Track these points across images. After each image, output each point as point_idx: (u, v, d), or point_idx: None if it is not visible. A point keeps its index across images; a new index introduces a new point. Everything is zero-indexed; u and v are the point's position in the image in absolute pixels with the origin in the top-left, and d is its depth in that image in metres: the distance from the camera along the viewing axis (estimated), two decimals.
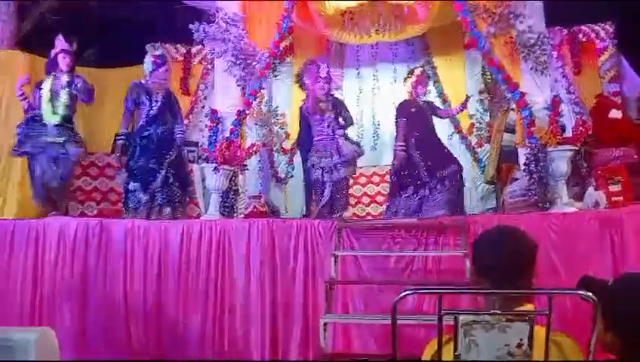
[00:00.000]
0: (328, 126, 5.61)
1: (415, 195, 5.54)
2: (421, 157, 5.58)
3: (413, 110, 5.78)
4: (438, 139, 5.90)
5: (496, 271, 1.63)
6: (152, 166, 5.26)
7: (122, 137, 5.44)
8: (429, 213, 5.32)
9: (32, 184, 5.44)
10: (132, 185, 5.25)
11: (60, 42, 5.50)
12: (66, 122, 5.46)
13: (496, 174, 6.17)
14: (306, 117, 5.79)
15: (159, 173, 5.26)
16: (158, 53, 5.71)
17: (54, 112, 5.36)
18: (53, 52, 5.51)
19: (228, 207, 5.22)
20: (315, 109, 5.62)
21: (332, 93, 5.89)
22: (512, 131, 5.82)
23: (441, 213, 5.21)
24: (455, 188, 5.54)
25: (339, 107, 5.80)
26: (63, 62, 5.45)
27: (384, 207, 6.24)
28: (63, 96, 5.40)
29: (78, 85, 5.41)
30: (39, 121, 5.37)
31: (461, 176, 5.70)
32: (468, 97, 6.09)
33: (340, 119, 5.75)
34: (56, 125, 5.36)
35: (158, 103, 5.38)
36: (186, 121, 6.32)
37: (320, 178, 5.56)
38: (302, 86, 5.95)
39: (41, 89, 5.42)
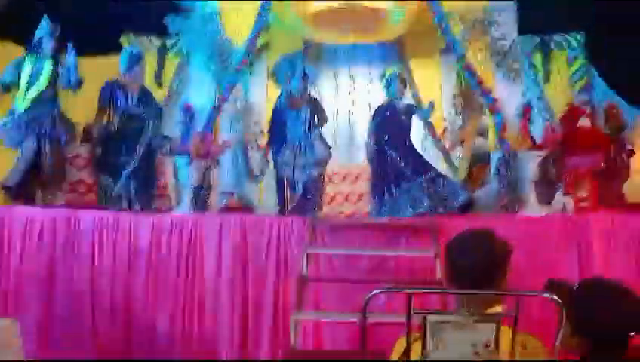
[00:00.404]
0: (305, 122, 5.55)
1: (397, 190, 5.52)
2: (397, 155, 5.54)
3: (387, 113, 5.82)
4: (412, 144, 5.82)
5: (465, 271, 1.65)
6: (122, 160, 5.20)
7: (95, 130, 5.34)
8: (413, 210, 5.30)
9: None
10: (104, 179, 5.17)
11: (46, 24, 5.33)
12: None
13: (468, 177, 6.26)
14: (280, 113, 5.68)
15: (129, 167, 5.20)
16: (134, 50, 5.61)
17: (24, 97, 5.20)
18: (37, 34, 5.33)
19: (200, 202, 5.18)
20: (291, 105, 5.56)
21: (308, 90, 5.84)
22: (484, 135, 5.92)
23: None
24: (437, 194, 5.52)
25: (314, 105, 5.74)
26: (48, 45, 5.30)
27: (369, 207, 6.06)
28: (43, 82, 5.24)
29: (68, 65, 5.25)
30: None
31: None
32: (432, 104, 6.08)
33: (316, 118, 5.72)
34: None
35: (134, 100, 5.30)
36: None
37: (291, 176, 5.50)
38: (276, 82, 5.90)
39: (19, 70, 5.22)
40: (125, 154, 5.22)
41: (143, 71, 5.44)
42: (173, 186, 5.78)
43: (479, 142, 6.10)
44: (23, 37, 5.62)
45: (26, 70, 5.23)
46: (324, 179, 5.77)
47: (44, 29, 5.33)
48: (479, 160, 6.01)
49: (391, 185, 5.54)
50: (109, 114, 5.39)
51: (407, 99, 6.83)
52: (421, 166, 5.52)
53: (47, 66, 5.26)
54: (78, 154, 5.87)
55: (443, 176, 5.45)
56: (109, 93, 5.33)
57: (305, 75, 5.68)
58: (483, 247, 1.69)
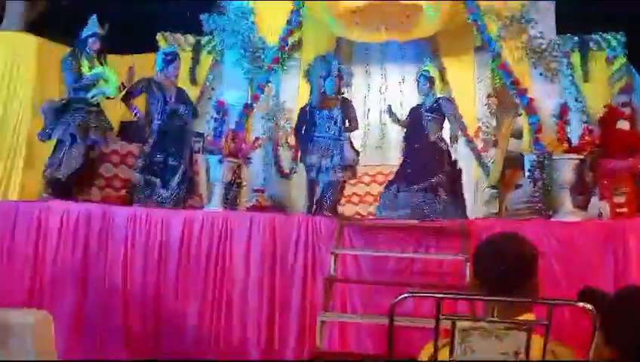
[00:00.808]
0: (335, 124, 5.45)
1: (399, 191, 5.44)
2: (411, 155, 5.54)
3: (412, 112, 5.77)
4: (432, 145, 5.66)
5: (494, 277, 1.62)
6: (172, 163, 5.25)
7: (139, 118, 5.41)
8: (429, 211, 5.24)
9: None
10: (151, 179, 5.21)
11: (93, 24, 5.44)
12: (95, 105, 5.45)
13: (500, 179, 6.15)
14: (311, 113, 5.52)
15: (179, 169, 5.26)
16: (169, 50, 5.68)
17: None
18: (84, 33, 5.43)
19: (231, 200, 5.23)
20: (322, 104, 5.48)
21: (342, 91, 5.78)
22: (519, 137, 5.79)
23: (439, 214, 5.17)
24: (455, 192, 5.44)
25: (347, 108, 5.63)
26: (93, 45, 5.41)
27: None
28: (112, 89, 5.37)
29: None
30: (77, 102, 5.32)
31: (459, 180, 5.62)
32: (389, 107, 5.93)
33: (347, 121, 5.59)
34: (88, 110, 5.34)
35: (172, 99, 5.36)
36: None
37: (315, 178, 5.40)
38: (309, 81, 5.78)
39: (79, 64, 5.32)
40: (170, 153, 5.27)
41: (177, 71, 5.47)
42: (205, 183, 5.85)
43: (513, 144, 5.97)
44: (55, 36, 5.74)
45: (85, 66, 5.34)
46: (345, 183, 5.64)
47: (91, 29, 5.43)
48: (513, 162, 5.89)
49: (393, 186, 5.47)
50: (148, 111, 5.47)
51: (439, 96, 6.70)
52: (429, 169, 5.42)
53: (109, 74, 5.36)
54: (114, 150, 6.00)
55: (439, 188, 5.32)
56: (143, 88, 5.38)
57: (339, 75, 5.63)
58: (514, 252, 1.65)
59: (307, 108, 5.58)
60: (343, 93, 5.72)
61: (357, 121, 5.74)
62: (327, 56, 5.84)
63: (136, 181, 5.23)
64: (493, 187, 6.52)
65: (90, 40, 5.41)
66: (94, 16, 5.44)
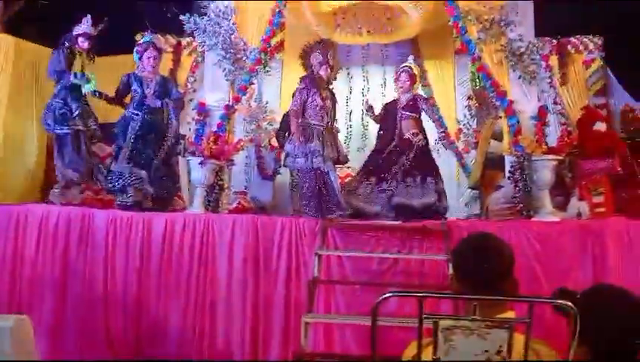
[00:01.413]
0: (327, 114, 5.41)
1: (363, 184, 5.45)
2: (381, 149, 5.53)
3: (387, 107, 5.80)
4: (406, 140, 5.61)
5: (476, 275, 1.64)
6: (148, 152, 5.20)
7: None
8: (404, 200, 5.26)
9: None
10: (119, 167, 5.16)
11: (86, 24, 5.41)
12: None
13: (481, 180, 6.20)
14: (305, 93, 5.38)
15: (154, 161, 5.21)
16: (141, 40, 5.66)
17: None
18: (75, 30, 5.41)
19: (213, 202, 5.19)
20: (318, 86, 5.39)
21: (332, 85, 5.70)
22: (498, 138, 5.86)
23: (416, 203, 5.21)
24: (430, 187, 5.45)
25: (334, 102, 5.62)
26: (82, 45, 5.42)
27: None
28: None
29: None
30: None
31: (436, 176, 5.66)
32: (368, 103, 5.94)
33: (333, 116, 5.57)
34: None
35: (150, 90, 5.32)
36: None
37: (322, 167, 5.22)
38: (305, 64, 5.65)
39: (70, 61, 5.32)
40: (149, 148, 5.22)
41: (154, 61, 5.42)
42: (186, 186, 5.81)
43: (494, 146, 6.04)
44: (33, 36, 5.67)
45: (77, 64, 5.34)
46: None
47: (84, 28, 5.40)
48: (494, 164, 5.95)
49: (363, 180, 5.50)
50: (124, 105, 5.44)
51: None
52: (391, 164, 5.45)
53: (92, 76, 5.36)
54: (94, 152, 5.92)
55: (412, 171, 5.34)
56: (125, 84, 5.38)
57: (333, 67, 5.57)
58: (495, 250, 1.67)
59: (302, 89, 5.45)
60: (332, 90, 5.68)
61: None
62: (325, 43, 5.74)
63: (123, 170, 5.15)
64: (474, 188, 6.58)
65: (80, 38, 5.39)
66: (89, 16, 5.41)
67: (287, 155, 5.43)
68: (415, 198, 5.25)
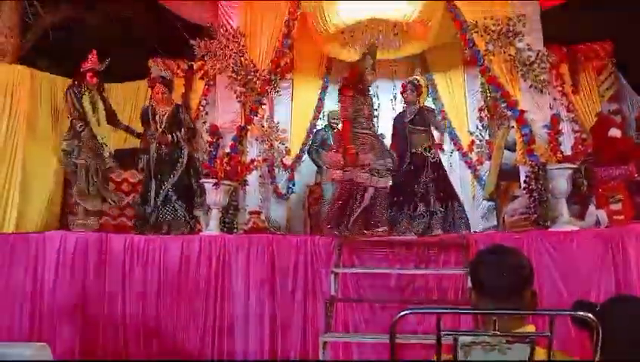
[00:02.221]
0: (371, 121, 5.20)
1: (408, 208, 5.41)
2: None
3: (395, 120, 5.79)
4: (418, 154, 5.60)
5: (495, 289, 1.61)
6: (154, 183, 5.41)
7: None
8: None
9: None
10: (146, 209, 5.41)
11: (92, 60, 5.62)
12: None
13: (496, 192, 6.16)
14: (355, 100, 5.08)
15: (161, 190, 5.37)
16: (151, 73, 5.85)
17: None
18: (83, 67, 5.62)
19: (228, 223, 5.21)
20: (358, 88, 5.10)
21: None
22: (512, 149, 5.82)
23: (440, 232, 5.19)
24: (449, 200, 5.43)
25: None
26: (91, 80, 5.60)
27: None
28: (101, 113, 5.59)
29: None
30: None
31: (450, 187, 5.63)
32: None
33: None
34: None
35: (163, 123, 5.53)
36: None
37: (366, 179, 4.94)
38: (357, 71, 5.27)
39: (80, 98, 5.52)
40: (165, 179, 5.43)
41: (160, 95, 5.59)
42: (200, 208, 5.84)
43: (507, 156, 6.00)
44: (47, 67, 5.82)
45: (86, 100, 5.54)
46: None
47: (90, 65, 5.60)
48: (508, 175, 5.91)
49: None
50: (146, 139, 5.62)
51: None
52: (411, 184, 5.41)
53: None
54: (110, 177, 6.02)
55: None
56: (143, 117, 5.60)
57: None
58: (515, 263, 1.65)
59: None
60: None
61: None
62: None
63: (138, 213, 5.44)
64: (490, 200, 6.53)
65: (88, 75, 5.58)
66: (94, 52, 5.58)
67: (325, 167, 5.27)
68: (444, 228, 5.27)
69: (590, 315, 1.41)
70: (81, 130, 5.43)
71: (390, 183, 5.15)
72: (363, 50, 5.58)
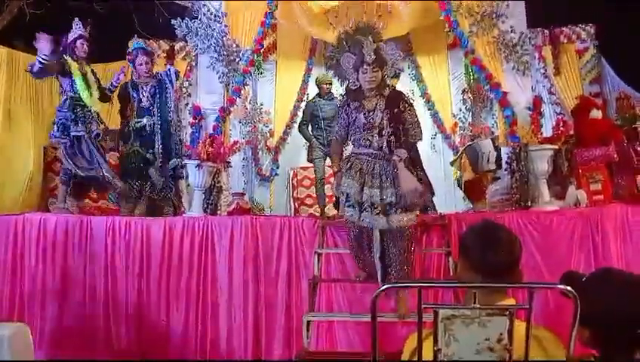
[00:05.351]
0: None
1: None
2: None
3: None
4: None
5: (487, 266, 1.61)
6: (148, 156, 5.17)
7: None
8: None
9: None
10: (132, 182, 5.15)
11: (78, 27, 5.23)
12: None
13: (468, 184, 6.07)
14: (348, 108, 3.75)
15: (152, 165, 5.17)
16: (131, 48, 5.56)
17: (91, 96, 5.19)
18: (70, 36, 5.22)
19: (211, 204, 5.18)
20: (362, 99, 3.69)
21: None
22: (495, 130, 5.86)
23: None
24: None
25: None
26: (82, 48, 5.21)
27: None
28: (93, 85, 5.23)
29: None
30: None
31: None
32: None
33: None
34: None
35: (147, 94, 5.26)
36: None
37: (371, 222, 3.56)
38: (337, 72, 3.85)
39: (70, 75, 5.14)
40: (150, 152, 5.18)
41: (146, 66, 5.30)
42: (185, 189, 5.80)
43: (490, 137, 6.03)
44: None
45: (76, 72, 5.15)
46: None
47: (77, 31, 5.23)
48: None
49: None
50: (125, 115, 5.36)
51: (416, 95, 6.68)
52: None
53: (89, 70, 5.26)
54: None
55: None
56: (123, 91, 5.29)
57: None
58: (509, 243, 1.64)
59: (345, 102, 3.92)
60: None
61: None
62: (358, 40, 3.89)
63: (120, 188, 5.14)
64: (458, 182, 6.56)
65: (78, 42, 5.21)
66: (77, 19, 5.29)
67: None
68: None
69: (569, 288, 1.42)
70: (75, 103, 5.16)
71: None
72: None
